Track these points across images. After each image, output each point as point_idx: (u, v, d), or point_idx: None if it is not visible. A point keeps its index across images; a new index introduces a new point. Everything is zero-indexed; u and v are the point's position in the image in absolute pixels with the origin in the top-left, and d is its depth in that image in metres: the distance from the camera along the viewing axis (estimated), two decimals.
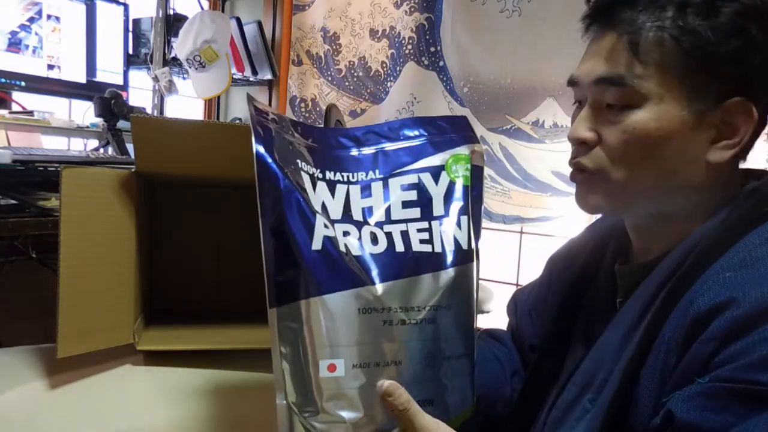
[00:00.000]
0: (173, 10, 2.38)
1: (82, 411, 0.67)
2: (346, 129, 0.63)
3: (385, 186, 0.59)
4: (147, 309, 0.91)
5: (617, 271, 0.64)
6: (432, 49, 2.08)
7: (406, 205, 0.59)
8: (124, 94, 1.86)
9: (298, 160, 0.56)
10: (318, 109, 2.45)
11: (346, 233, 0.55)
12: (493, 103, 1.95)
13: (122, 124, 1.73)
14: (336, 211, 0.57)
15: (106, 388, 0.72)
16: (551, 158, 1.89)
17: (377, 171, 0.60)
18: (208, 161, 0.81)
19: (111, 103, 1.67)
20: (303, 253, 0.52)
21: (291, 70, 2.52)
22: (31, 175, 1.08)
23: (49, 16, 1.68)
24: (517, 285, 2.18)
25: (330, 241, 0.53)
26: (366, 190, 0.59)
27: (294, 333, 0.52)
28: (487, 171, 1.97)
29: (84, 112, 1.95)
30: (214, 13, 2.28)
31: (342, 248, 0.54)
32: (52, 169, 1.09)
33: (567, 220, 1.90)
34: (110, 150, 1.72)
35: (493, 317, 1.93)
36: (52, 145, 1.82)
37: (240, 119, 2.72)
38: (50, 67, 1.70)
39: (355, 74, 2.31)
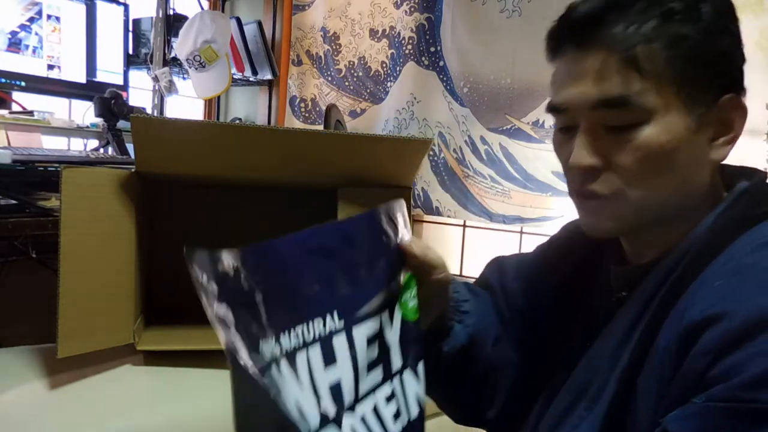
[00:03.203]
0: (173, 10, 2.38)
1: (82, 411, 0.67)
2: (292, 241, 0.43)
3: (350, 342, 0.45)
4: (147, 309, 0.91)
5: (612, 272, 0.64)
6: (432, 49, 2.08)
7: (371, 366, 0.47)
8: (124, 94, 1.86)
9: (260, 340, 0.41)
10: (318, 109, 2.45)
11: None
12: (493, 103, 1.95)
13: (122, 124, 1.73)
14: (311, 410, 0.42)
15: (106, 388, 0.72)
16: (551, 158, 1.87)
17: (334, 313, 0.44)
18: (208, 161, 0.81)
19: (111, 103, 1.67)
20: None
21: (291, 70, 2.52)
22: (31, 175, 1.08)
23: (49, 16, 1.68)
24: None
25: None
26: (327, 350, 0.44)
27: None
28: (488, 171, 1.97)
29: (84, 112, 1.95)
30: (214, 13, 2.28)
31: None
32: (52, 169, 1.09)
33: (567, 220, 1.89)
34: (110, 150, 1.72)
35: None
36: (52, 145, 1.82)
37: (240, 119, 2.72)
38: (50, 67, 1.70)
39: (355, 74, 2.31)
